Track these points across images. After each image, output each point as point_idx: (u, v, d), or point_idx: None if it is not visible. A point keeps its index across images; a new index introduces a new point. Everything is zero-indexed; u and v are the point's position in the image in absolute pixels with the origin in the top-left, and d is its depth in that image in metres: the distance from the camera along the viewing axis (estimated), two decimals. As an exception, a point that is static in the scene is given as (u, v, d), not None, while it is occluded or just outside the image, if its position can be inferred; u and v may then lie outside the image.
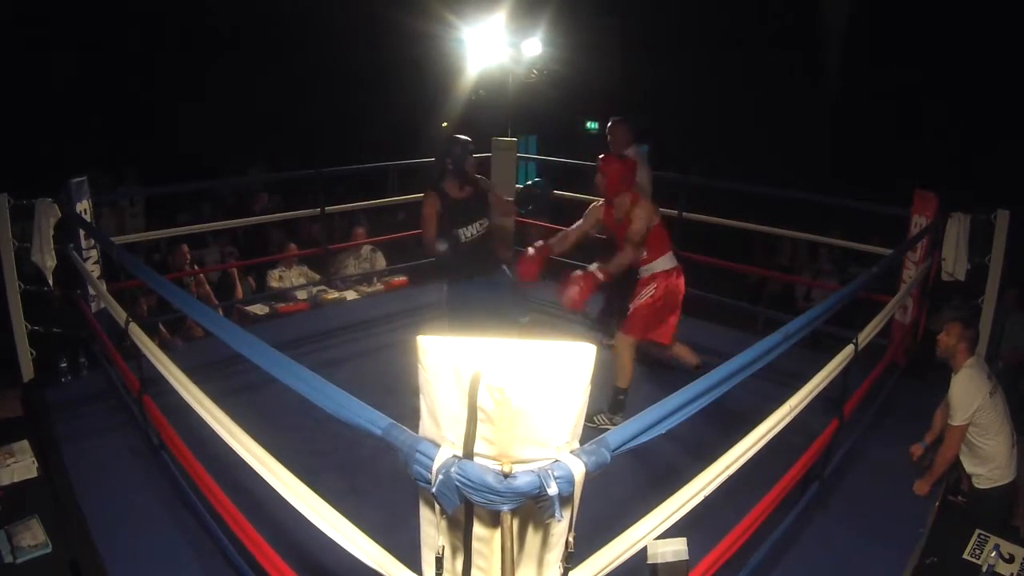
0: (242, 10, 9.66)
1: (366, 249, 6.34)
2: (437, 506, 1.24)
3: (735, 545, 2.15)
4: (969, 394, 2.93)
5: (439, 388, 1.21)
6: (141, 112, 9.50)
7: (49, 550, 2.57)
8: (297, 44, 10.42)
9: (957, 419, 2.94)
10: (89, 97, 9.05)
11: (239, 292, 5.95)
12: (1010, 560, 2.57)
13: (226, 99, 9.95)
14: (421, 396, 1.27)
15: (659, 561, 1.66)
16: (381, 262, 6.35)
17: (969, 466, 3.00)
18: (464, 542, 1.28)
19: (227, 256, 6.74)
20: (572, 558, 1.34)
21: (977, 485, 2.98)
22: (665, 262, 3.73)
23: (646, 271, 3.74)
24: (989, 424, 2.92)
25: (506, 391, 1.14)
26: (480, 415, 1.16)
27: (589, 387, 1.23)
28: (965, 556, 2.62)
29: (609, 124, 4.56)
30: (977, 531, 2.70)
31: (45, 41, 8.89)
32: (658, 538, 1.65)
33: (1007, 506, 3.02)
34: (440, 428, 1.24)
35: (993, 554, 2.57)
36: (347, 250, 6.29)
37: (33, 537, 2.60)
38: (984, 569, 2.52)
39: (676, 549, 1.67)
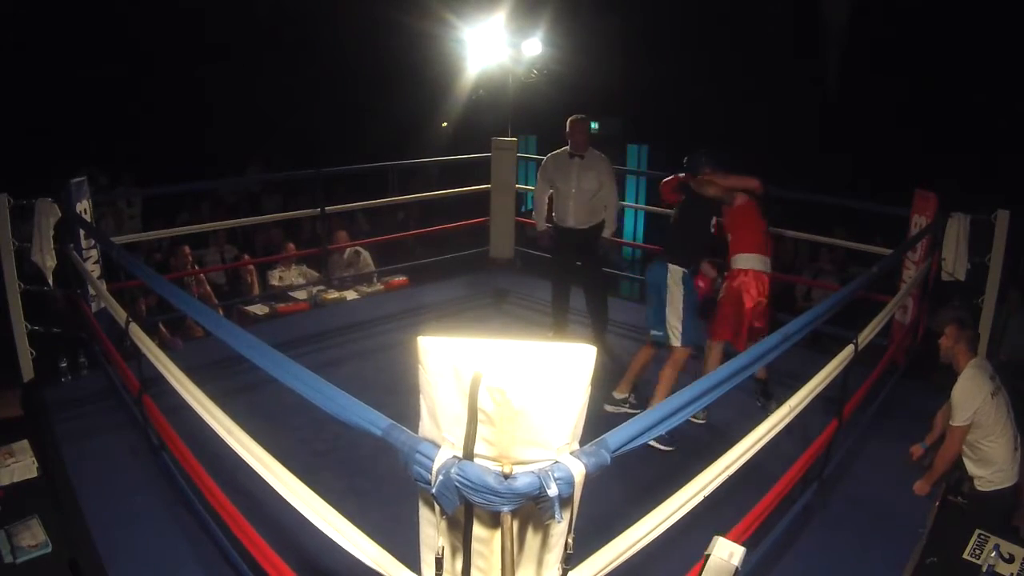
0: (243, 11, 9.66)
1: (349, 252, 6.31)
2: (437, 507, 1.24)
3: (735, 545, 2.14)
4: (970, 394, 2.93)
5: (439, 389, 1.21)
6: (141, 112, 9.49)
7: (49, 550, 2.56)
8: (298, 44, 10.42)
9: (957, 419, 2.94)
10: (89, 97, 9.05)
11: (255, 289, 5.94)
12: (1010, 560, 2.57)
13: (226, 99, 9.94)
14: (421, 397, 1.27)
15: (713, 552, 1.67)
16: (367, 263, 6.31)
17: (972, 468, 2.99)
18: (464, 543, 1.28)
19: (227, 256, 6.74)
20: (571, 559, 1.34)
21: (979, 488, 2.97)
22: (740, 261, 3.71)
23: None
24: (991, 426, 2.91)
25: (507, 392, 1.14)
26: (480, 416, 1.16)
27: (589, 388, 1.23)
28: (965, 556, 2.62)
29: (576, 120, 4.54)
30: (977, 531, 2.70)
31: (46, 42, 8.89)
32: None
33: (1009, 509, 3.01)
34: (440, 429, 1.24)
35: (993, 554, 2.57)
36: (332, 254, 6.22)
37: (33, 537, 2.60)
38: (984, 569, 2.51)
39: (734, 551, 1.68)
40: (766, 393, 3.78)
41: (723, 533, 2.14)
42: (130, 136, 9.21)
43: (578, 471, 1.21)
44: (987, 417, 2.91)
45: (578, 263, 4.73)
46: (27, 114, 8.24)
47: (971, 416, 2.92)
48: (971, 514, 2.89)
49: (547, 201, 4.73)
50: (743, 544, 2.17)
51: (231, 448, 1.96)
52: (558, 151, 4.70)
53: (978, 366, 3.00)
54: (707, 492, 1.81)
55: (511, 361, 1.15)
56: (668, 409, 1.51)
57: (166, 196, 7.97)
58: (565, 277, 4.84)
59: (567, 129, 4.57)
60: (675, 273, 3.63)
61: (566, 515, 1.24)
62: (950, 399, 3.02)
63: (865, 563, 2.69)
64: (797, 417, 2.28)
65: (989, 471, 2.94)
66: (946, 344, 3.10)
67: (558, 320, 4.86)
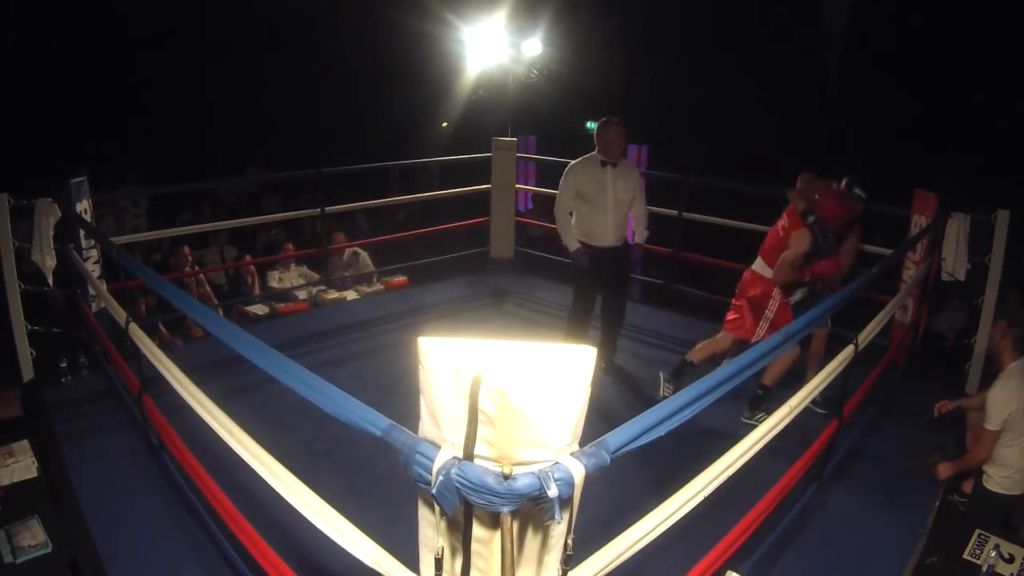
0: (244, 11, 9.67)
1: (348, 253, 6.30)
2: (437, 507, 1.24)
3: (735, 545, 2.15)
4: (1004, 400, 2.92)
5: (440, 389, 1.21)
6: (142, 113, 9.50)
7: (49, 550, 2.57)
8: (298, 44, 10.43)
9: (990, 423, 2.93)
10: (90, 97, 9.05)
11: (256, 290, 5.95)
12: (1010, 560, 2.58)
13: (226, 99, 9.95)
14: (421, 397, 1.27)
15: None
16: (366, 263, 6.31)
17: (985, 464, 2.99)
18: (463, 543, 1.28)
19: (227, 256, 6.74)
20: (571, 560, 1.34)
21: (986, 484, 2.97)
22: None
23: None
24: (1017, 433, 2.90)
25: (507, 393, 1.14)
26: (481, 417, 1.16)
27: (589, 389, 1.23)
28: (965, 556, 2.62)
29: (614, 124, 3.98)
30: (977, 531, 2.70)
31: (46, 42, 8.89)
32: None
33: (1008, 513, 3.00)
34: (440, 429, 1.24)
35: (993, 554, 2.57)
36: (332, 255, 6.19)
37: (33, 537, 2.60)
38: (984, 569, 2.52)
39: None
40: (755, 402, 3.65)
41: (723, 533, 2.16)
42: (131, 136, 9.22)
43: (578, 472, 1.21)
44: (1016, 423, 2.89)
45: (608, 276, 4.20)
46: (27, 114, 8.24)
47: (1004, 421, 2.90)
48: (971, 514, 2.90)
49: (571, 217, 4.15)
50: (744, 543, 2.19)
51: (231, 448, 1.96)
52: (584, 159, 4.06)
53: (1019, 370, 2.99)
54: (707, 492, 1.81)
55: (511, 362, 1.15)
56: (668, 410, 1.51)
57: (167, 196, 7.99)
58: (592, 293, 4.26)
59: (600, 133, 3.99)
60: None
61: (566, 516, 1.24)
62: (987, 396, 3.01)
63: (865, 563, 2.69)
64: (797, 417, 2.28)
65: (1000, 473, 2.93)
66: (993, 338, 3.14)
67: (577, 333, 4.30)
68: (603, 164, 3.99)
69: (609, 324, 4.32)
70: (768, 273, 3.63)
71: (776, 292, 3.59)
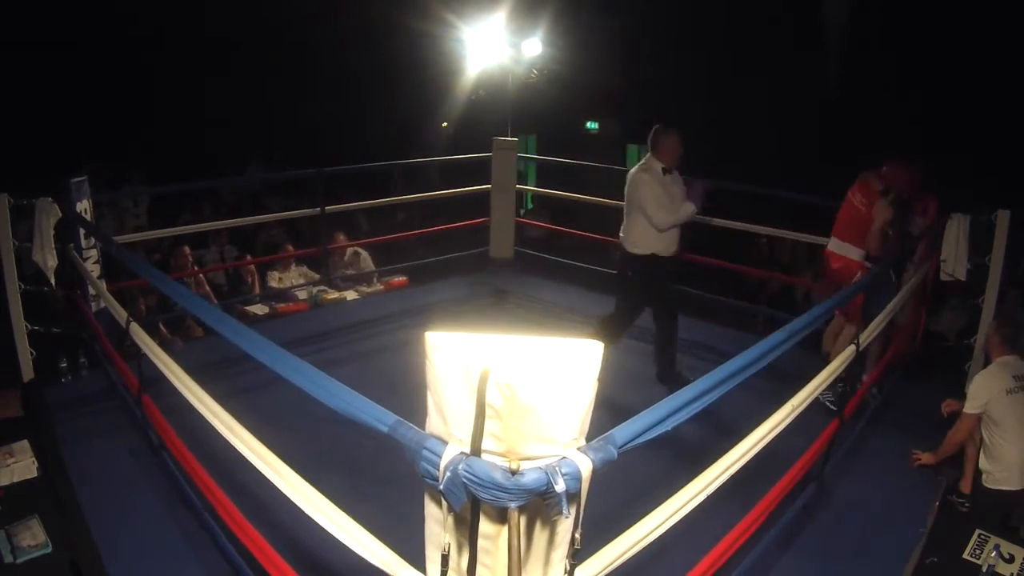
0: (244, 11, 9.67)
1: (349, 253, 6.30)
2: (444, 503, 1.24)
3: (736, 544, 2.15)
4: (984, 385, 2.98)
5: (447, 385, 1.21)
6: (143, 113, 9.49)
7: (49, 550, 2.56)
8: (299, 45, 10.42)
9: (967, 406, 3.00)
10: (91, 98, 9.04)
11: (256, 288, 5.94)
12: (1010, 560, 2.58)
13: (228, 99, 9.95)
14: (428, 393, 1.27)
15: None
16: (367, 263, 6.31)
17: (982, 461, 3.01)
18: (470, 540, 1.27)
19: (227, 256, 6.73)
20: (578, 555, 1.34)
21: (985, 483, 2.98)
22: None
23: None
24: (1003, 424, 2.92)
25: (515, 387, 1.14)
26: (488, 411, 1.16)
27: (596, 384, 1.23)
28: (965, 556, 2.62)
29: (673, 130, 3.97)
30: (977, 531, 2.71)
31: (46, 42, 8.88)
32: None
33: (1009, 511, 3.01)
34: (448, 425, 1.24)
35: (993, 554, 2.57)
36: (332, 255, 6.17)
37: (33, 537, 2.59)
38: (984, 569, 2.52)
39: None
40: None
41: (725, 532, 2.16)
42: (132, 135, 9.21)
43: (585, 466, 1.21)
44: (999, 413, 2.92)
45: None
46: (27, 114, 8.23)
47: (981, 406, 2.95)
48: (971, 514, 2.90)
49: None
50: (744, 542, 2.19)
51: (233, 447, 1.96)
52: (648, 168, 3.92)
53: (1004, 363, 3.05)
54: (710, 491, 1.81)
55: (519, 357, 1.15)
56: (674, 405, 1.51)
57: (168, 196, 7.97)
58: (644, 305, 4.16)
59: (660, 139, 3.91)
60: None
61: (573, 511, 1.24)
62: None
63: (865, 563, 2.69)
64: (797, 417, 2.29)
65: (996, 468, 2.95)
66: (988, 334, 3.27)
67: (614, 339, 4.11)
68: (664, 172, 3.92)
69: (667, 338, 4.16)
70: (843, 250, 3.85)
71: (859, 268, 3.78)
